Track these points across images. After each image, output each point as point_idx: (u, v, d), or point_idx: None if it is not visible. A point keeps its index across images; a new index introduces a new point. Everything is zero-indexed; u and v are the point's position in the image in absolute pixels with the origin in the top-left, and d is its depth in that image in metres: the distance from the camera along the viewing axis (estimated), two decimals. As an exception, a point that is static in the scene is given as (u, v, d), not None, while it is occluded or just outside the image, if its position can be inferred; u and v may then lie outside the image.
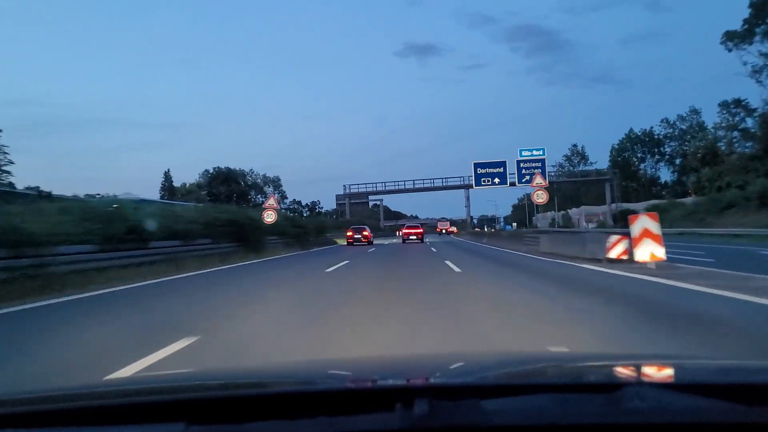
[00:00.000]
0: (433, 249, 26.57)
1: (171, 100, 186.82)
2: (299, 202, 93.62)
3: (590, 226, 56.65)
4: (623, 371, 1.42)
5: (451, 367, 1.54)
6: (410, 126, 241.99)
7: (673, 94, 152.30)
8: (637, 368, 1.44)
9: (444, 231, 78.28)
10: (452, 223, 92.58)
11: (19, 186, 31.47)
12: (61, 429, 0.97)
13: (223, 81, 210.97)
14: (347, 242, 35.00)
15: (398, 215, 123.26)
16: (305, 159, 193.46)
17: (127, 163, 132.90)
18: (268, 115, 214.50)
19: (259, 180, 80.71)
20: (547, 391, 1.08)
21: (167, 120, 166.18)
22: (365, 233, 35.07)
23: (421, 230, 40.07)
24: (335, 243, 38.89)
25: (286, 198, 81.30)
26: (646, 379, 1.26)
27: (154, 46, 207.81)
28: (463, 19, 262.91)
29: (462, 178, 64.01)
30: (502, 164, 52.19)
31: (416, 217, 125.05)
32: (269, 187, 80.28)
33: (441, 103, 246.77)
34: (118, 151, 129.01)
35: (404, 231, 38.57)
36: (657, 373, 1.39)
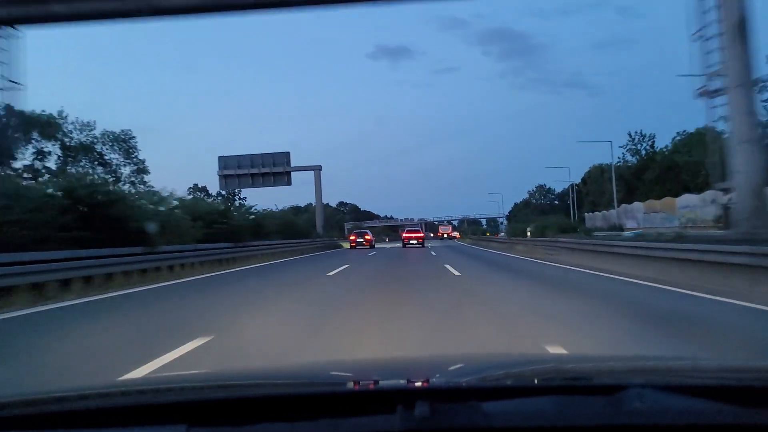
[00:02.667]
0: (452, 270, 15.25)
1: (140, 104, 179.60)
2: (204, 189, 66.83)
3: None
4: (623, 372, 1.45)
5: (452, 368, 1.57)
6: (385, 129, 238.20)
7: (644, 98, 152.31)
8: (637, 370, 1.50)
9: (446, 235, 72.92)
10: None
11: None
12: (63, 431, 0.98)
13: (192, 84, 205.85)
14: (350, 246, 36.42)
15: (369, 215, 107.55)
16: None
17: None
18: (240, 117, 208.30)
19: (81, 137, 36.73)
20: (547, 393, 1.09)
21: (137, 123, 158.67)
22: (367, 237, 37.00)
23: (422, 234, 38.84)
24: (341, 246, 38.83)
25: (147, 173, 39.57)
26: (646, 380, 1.24)
27: (119, 51, 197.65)
28: (434, 21, 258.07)
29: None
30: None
31: (391, 218, 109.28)
32: (112, 148, 37.99)
33: (414, 106, 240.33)
34: None
35: (404, 235, 37.96)
36: (657, 374, 1.42)
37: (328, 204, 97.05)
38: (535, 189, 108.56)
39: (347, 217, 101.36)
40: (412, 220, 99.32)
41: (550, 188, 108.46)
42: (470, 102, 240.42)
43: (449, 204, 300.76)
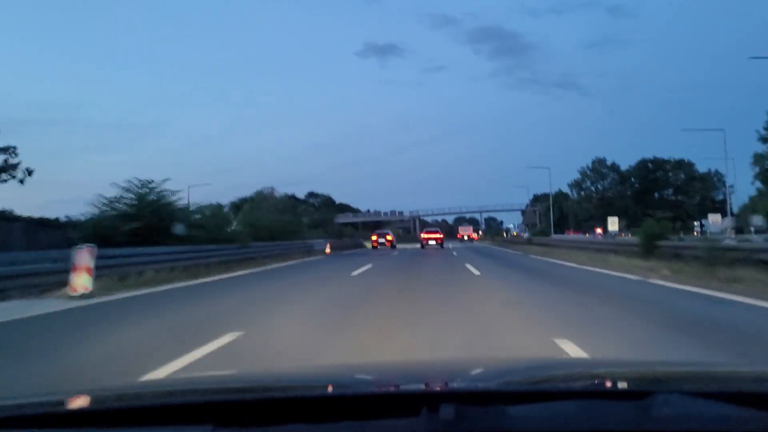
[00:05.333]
0: None
1: (128, 102, 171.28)
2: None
3: None
4: (651, 378, 1.44)
5: (476, 371, 1.58)
6: (371, 129, 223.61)
7: (635, 100, 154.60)
8: (666, 375, 1.48)
9: (466, 237, 65.01)
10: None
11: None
12: (89, 430, 0.99)
13: (180, 82, 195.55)
14: (372, 246, 38.46)
15: (346, 209, 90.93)
16: (261, 163, 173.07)
17: (79, 164, 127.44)
18: (224, 118, 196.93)
19: None
20: (573, 398, 1.07)
21: (124, 121, 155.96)
22: (388, 237, 39.37)
23: (441, 235, 38.42)
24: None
25: None
26: (674, 386, 1.23)
27: (107, 45, 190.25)
28: (424, 19, 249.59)
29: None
30: None
31: (376, 212, 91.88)
32: None
33: (404, 104, 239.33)
34: (70, 153, 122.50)
35: (423, 236, 38.75)
36: (686, 379, 1.40)
37: (285, 193, 79.30)
38: (589, 167, 76.13)
39: (312, 211, 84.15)
40: (401, 214, 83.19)
41: (614, 164, 76.17)
42: (461, 101, 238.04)
43: (442, 201, 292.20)
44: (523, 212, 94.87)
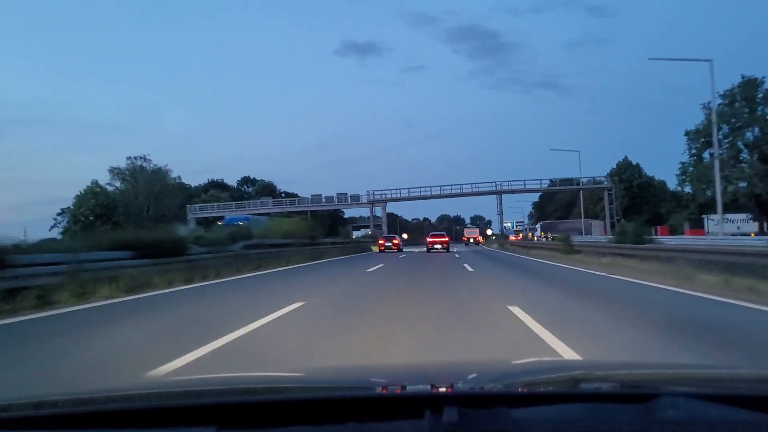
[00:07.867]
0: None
1: (111, 102, 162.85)
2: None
3: None
4: (656, 380, 1.43)
5: (479, 374, 1.56)
6: (350, 129, 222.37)
7: (616, 99, 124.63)
8: (672, 377, 1.47)
9: (471, 240, 64.65)
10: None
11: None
12: (92, 431, 1.00)
13: (160, 82, 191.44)
14: (379, 249, 38.62)
15: (290, 197, 66.14)
16: (245, 164, 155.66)
17: (62, 164, 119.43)
18: (205, 119, 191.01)
19: None
20: (577, 401, 1.07)
21: (108, 121, 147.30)
22: (395, 242, 39.68)
23: (447, 239, 37.80)
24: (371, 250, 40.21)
25: None
26: (680, 388, 1.23)
27: (92, 45, 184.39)
28: (403, 17, 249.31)
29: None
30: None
31: (311, 198, 66.00)
32: None
33: (384, 105, 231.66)
34: (53, 153, 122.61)
35: (429, 240, 37.66)
36: (692, 382, 1.39)
37: (164, 167, 53.42)
38: (728, 94, 35.39)
39: (220, 198, 60.08)
40: (357, 199, 58.07)
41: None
42: (442, 100, 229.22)
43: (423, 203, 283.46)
44: (535, 204, 72.35)
